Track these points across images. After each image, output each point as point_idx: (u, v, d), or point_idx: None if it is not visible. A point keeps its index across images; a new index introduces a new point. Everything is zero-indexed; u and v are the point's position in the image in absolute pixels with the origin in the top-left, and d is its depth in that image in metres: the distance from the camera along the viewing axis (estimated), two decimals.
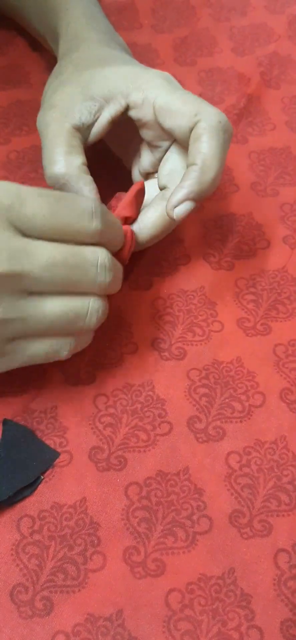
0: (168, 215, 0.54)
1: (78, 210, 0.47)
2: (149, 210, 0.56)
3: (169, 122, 0.55)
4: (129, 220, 0.55)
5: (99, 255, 0.47)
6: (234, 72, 0.81)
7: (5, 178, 0.67)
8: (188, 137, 0.54)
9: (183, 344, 0.57)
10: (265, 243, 0.64)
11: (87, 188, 0.54)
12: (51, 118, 0.56)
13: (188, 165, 0.54)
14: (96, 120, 0.57)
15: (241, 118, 0.75)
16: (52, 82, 0.61)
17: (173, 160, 0.58)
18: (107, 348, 0.56)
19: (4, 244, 0.44)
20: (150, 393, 0.54)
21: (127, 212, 0.54)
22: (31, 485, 0.49)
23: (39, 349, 0.48)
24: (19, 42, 0.81)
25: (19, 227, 0.45)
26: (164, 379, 0.55)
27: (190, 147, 0.54)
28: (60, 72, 0.61)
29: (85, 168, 0.55)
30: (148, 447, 0.51)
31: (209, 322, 0.58)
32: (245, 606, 0.45)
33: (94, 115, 0.56)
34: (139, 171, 0.61)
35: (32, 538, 0.47)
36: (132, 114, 0.57)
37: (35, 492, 0.49)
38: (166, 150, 0.58)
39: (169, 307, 0.59)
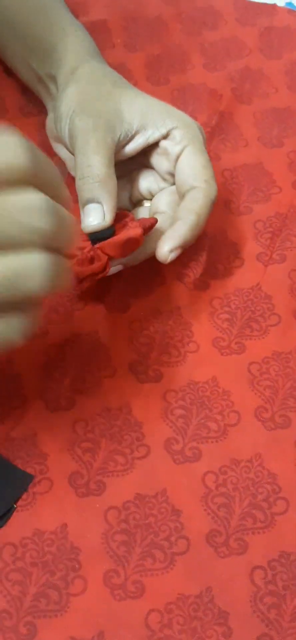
0: (160, 257, 0.57)
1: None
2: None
3: (181, 167, 0.61)
4: (111, 258, 0.56)
5: (31, 198, 0.40)
6: (206, 88, 0.82)
7: None
8: (184, 190, 0.60)
9: (160, 366, 0.58)
10: (239, 261, 0.66)
11: (113, 209, 0.57)
12: (95, 126, 0.59)
13: (179, 216, 0.58)
14: (129, 142, 0.61)
15: (213, 135, 0.76)
16: (90, 86, 0.63)
17: (176, 196, 0.62)
18: (86, 372, 0.57)
19: None
20: (128, 416, 0.55)
21: (110, 251, 0.55)
22: (4, 516, 0.50)
23: None
24: None
25: None
26: (141, 401, 0.56)
27: (186, 202, 0.59)
28: (97, 80, 0.64)
29: (117, 190, 0.58)
30: (127, 470, 0.53)
31: (185, 342, 0.60)
32: (223, 623, 0.47)
33: (129, 138, 0.61)
34: (130, 196, 0.65)
35: (14, 565, 0.48)
36: (164, 143, 0.62)
37: (17, 520, 0.50)
38: (171, 185, 0.64)
39: (146, 329, 0.61)
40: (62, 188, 0.44)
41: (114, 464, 0.53)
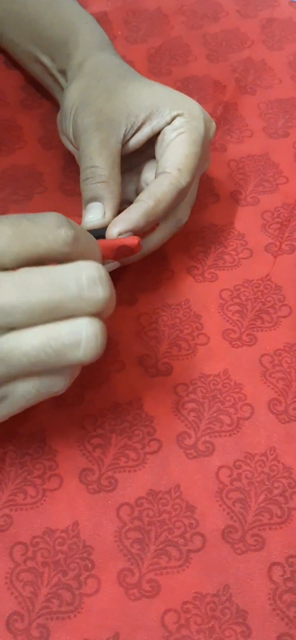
0: (108, 237, 0.55)
1: (43, 223, 0.42)
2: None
3: (166, 154, 0.58)
4: (105, 259, 0.55)
5: (84, 268, 0.41)
6: (209, 79, 0.81)
7: None
8: (159, 173, 0.58)
9: (169, 359, 0.57)
10: (248, 252, 0.64)
11: (114, 209, 0.56)
12: (98, 124, 0.58)
13: (140, 199, 0.56)
14: (135, 134, 0.59)
15: (219, 126, 0.75)
16: (92, 82, 0.62)
17: None
18: (93, 367, 0.56)
19: None
20: (138, 411, 0.54)
21: (102, 252, 0.54)
22: None
23: (28, 390, 0.43)
24: None
25: None
26: (151, 395, 0.55)
27: (151, 186, 0.57)
28: (101, 75, 0.62)
29: (120, 190, 0.57)
30: (139, 466, 0.51)
31: (194, 335, 0.58)
32: (241, 622, 0.45)
33: (135, 130, 0.59)
34: (136, 188, 0.63)
35: (25, 565, 0.47)
36: (165, 129, 0.59)
37: (27, 518, 0.48)
38: None
39: (154, 322, 0.59)
40: (98, 253, 0.46)
41: (125, 460, 0.51)
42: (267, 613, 0.45)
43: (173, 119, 0.59)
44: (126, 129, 0.59)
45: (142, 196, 0.56)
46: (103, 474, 0.51)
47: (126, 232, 0.54)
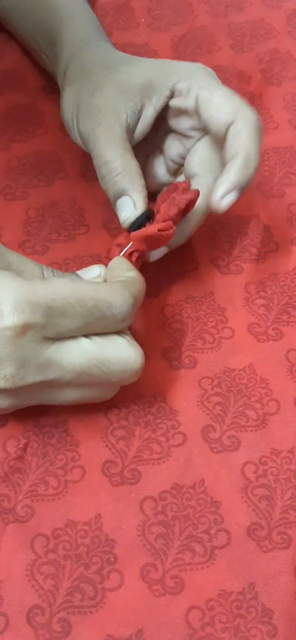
0: (213, 207, 0.54)
1: (111, 318, 0.47)
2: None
3: (208, 114, 0.56)
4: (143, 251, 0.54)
5: (132, 362, 0.48)
6: (234, 69, 0.80)
7: (7, 186, 0.65)
8: (223, 132, 0.55)
9: (194, 352, 0.56)
10: (274, 245, 0.63)
11: (141, 193, 0.55)
12: (98, 122, 0.57)
13: (228, 159, 0.55)
14: (139, 118, 0.58)
15: None
16: (81, 83, 0.60)
17: (204, 150, 0.59)
18: None
19: (35, 357, 0.45)
20: (162, 404, 0.53)
21: (137, 246, 0.54)
22: None
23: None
24: (14, 46, 0.80)
25: (52, 337, 0.45)
26: (176, 388, 0.54)
27: (230, 142, 0.55)
28: (88, 73, 0.60)
29: (140, 172, 0.56)
30: (163, 459, 0.50)
31: (219, 328, 0.57)
32: (267, 622, 0.44)
33: (137, 114, 0.58)
34: (166, 167, 0.62)
35: (47, 558, 0.46)
36: (174, 102, 0.58)
37: (49, 509, 0.47)
38: (197, 141, 0.59)
39: (178, 314, 0.58)
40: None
41: (149, 452, 0.50)
42: (294, 613, 0.44)
43: (171, 90, 0.58)
44: (127, 115, 0.57)
45: (229, 153, 0.55)
46: (126, 466, 0.50)
47: (230, 191, 0.54)
